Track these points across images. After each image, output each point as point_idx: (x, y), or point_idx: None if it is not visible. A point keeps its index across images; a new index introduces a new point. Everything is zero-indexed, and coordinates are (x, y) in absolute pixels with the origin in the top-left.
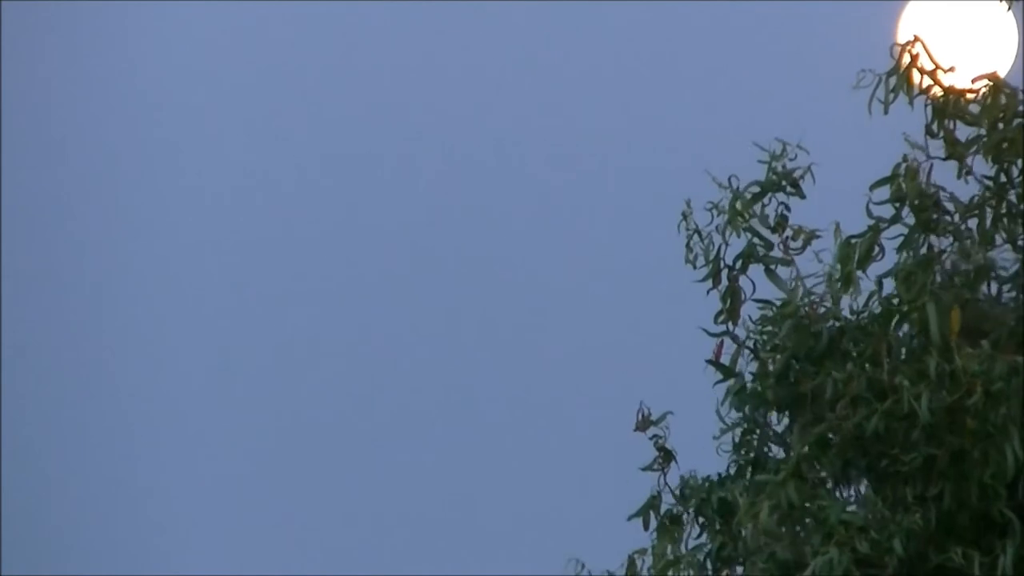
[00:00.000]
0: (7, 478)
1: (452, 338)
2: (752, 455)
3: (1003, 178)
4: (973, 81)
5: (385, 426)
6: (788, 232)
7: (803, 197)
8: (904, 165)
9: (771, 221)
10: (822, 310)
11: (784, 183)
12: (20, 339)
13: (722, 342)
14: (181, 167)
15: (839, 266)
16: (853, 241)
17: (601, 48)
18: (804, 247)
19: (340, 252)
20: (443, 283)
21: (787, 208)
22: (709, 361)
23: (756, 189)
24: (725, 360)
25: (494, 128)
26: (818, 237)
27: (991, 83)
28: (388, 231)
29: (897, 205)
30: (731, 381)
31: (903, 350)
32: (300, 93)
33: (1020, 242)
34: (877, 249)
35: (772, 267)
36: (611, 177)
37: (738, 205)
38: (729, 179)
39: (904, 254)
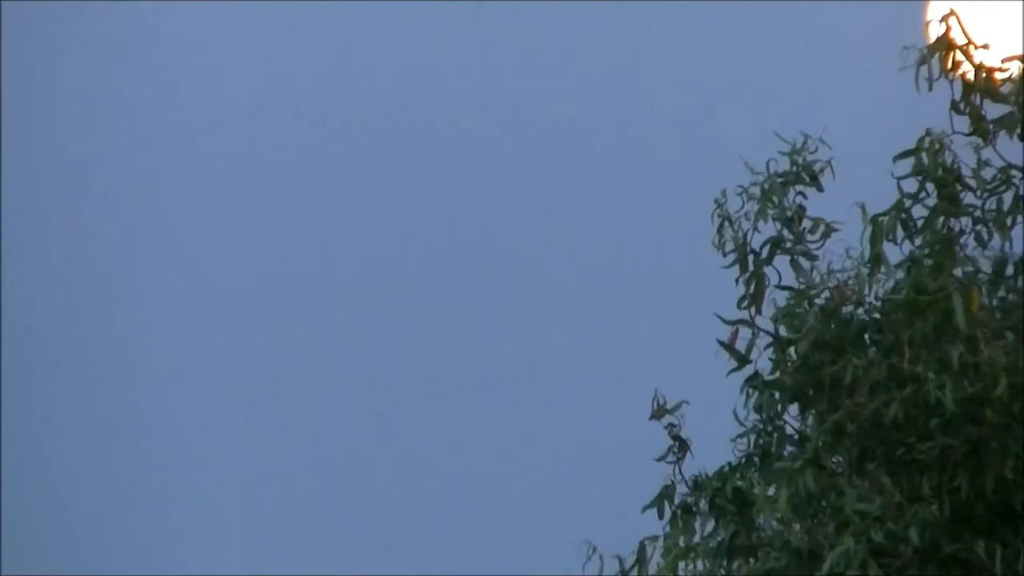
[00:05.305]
0: (7, 478)
1: (466, 326)
2: (762, 446)
3: None
4: (1003, 61)
5: (397, 413)
6: (806, 224)
7: (821, 190)
8: (928, 139)
9: (789, 213)
10: (850, 295)
11: (804, 174)
12: (19, 339)
13: (737, 329)
14: (184, 165)
15: (868, 247)
16: (880, 219)
17: (624, 35)
18: (823, 240)
19: (340, 252)
20: (459, 268)
21: (804, 197)
22: (722, 344)
23: (779, 180)
24: (740, 348)
25: (510, 110)
26: (836, 230)
27: (1022, 64)
28: (398, 225)
29: (920, 179)
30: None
31: (922, 338)
32: (298, 93)
33: None
34: (911, 225)
35: (795, 258)
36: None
37: (769, 189)
38: (768, 164)
39: (925, 235)
